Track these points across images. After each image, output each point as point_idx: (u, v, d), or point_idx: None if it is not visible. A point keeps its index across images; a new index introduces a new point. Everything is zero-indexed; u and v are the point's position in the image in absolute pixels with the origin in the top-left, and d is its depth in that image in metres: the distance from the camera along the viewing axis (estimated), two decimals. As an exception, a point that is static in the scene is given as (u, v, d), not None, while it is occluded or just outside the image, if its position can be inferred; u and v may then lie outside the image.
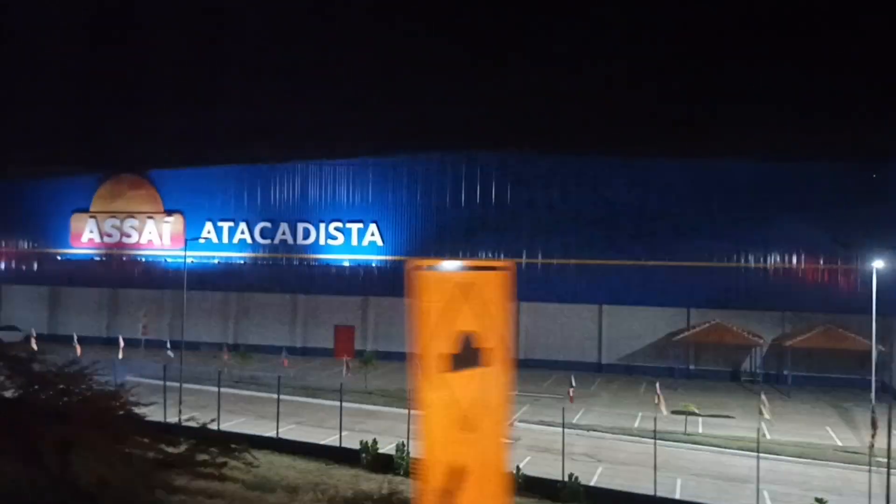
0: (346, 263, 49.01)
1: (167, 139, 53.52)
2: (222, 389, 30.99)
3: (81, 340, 45.81)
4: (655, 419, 25.54)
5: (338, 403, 34.56)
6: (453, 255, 46.68)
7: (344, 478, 22.34)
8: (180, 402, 27.35)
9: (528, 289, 45.74)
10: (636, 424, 31.42)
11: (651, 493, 21.07)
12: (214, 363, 41.71)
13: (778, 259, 42.48)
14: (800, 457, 26.47)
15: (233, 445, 12.96)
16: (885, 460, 21.42)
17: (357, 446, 25.26)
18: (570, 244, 45.02)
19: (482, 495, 4.11)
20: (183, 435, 12.53)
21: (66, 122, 55.16)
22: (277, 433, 26.76)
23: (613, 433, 29.41)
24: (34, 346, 39.87)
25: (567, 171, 45.47)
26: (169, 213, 51.49)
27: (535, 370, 44.94)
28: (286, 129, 51.47)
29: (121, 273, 52.42)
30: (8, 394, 12.17)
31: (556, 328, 46.45)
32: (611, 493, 21.64)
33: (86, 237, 53.05)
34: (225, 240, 50.45)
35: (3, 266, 55.27)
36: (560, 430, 30.18)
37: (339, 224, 48.96)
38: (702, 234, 42.96)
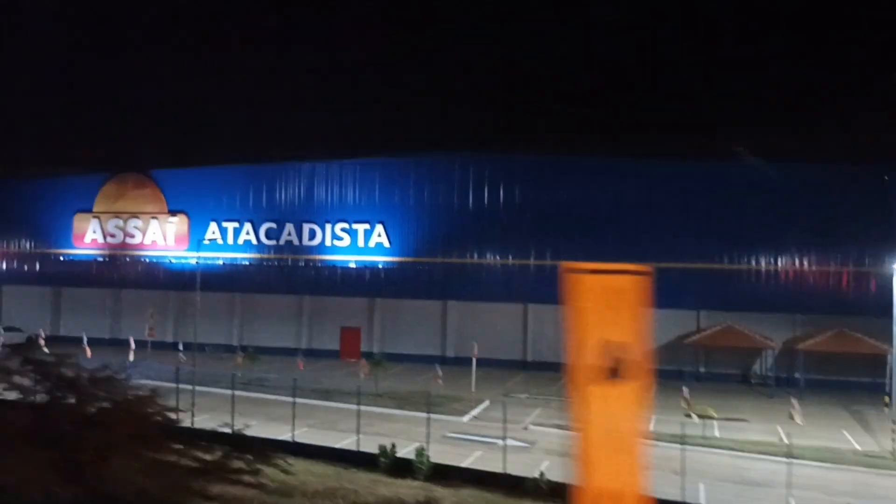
0: (353, 265, 48.64)
1: (172, 138, 53.14)
2: (231, 392, 30.65)
3: (82, 342, 45.39)
4: (682, 424, 25.28)
5: (348, 406, 34.34)
6: (461, 257, 46.44)
7: (363, 482, 21.97)
8: (193, 405, 26.94)
9: (536, 290, 45.52)
10: (651, 428, 31.05)
11: (678, 498, 20.72)
12: (222, 365, 41.36)
13: (789, 261, 42.24)
14: (820, 461, 26.17)
15: (267, 452, 12.57)
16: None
17: (371, 449, 24.93)
18: (578, 246, 44.67)
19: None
20: (216, 440, 12.16)
21: (70, 121, 54.70)
22: (293, 436, 26.37)
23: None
24: (44, 348, 39.52)
25: (576, 171, 45.22)
26: (173, 213, 51.10)
27: (544, 372, 44.63)
28: (292, 129, 51.13)
29: (124, 274, 51.99)
30: (35, 398, 11.82)
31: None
32: (637, 500, 21.26)
33: (89, 237, 52.63)
34: (230, 240, 50.06)
35: (5, 266, 54.76)
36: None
37: (346, 225, 48.64)
38: (712, 235, 42.73)
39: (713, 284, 42.65)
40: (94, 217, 52.38)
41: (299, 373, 41.51)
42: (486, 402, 35.44)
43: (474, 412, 33.59)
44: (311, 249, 49.24)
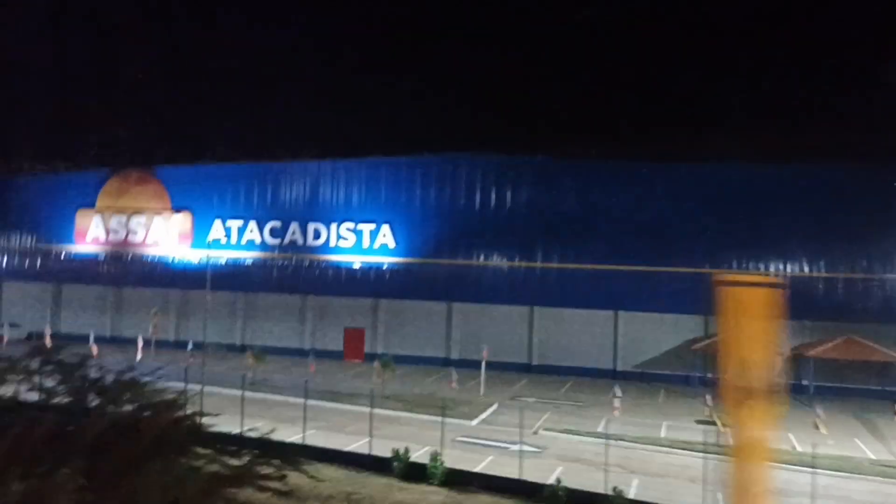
0: (357, 265, 48.25)
1: (176, 135, 52.81)
2: (236, 392, 30.26)
3: (84, 339, 44.87)
4: (705, 432, 24.93)
5: (355, 408, 34.05)
6: (467, 258, 46.09)
7: (377, 487, 21.63)
8: (201, 407, 26.47)
9: (542, 293, 45.26)
10: (662, 434, 30.80)
11: (699, 508, 20.40)
12: (229, 365, 41.01)
13: (797, 267, 41.99)
14: (837, 470, 25.88)
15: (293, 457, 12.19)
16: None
17: (382, 453, 24.61)
18: (585, 249, 44.43)
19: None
20: (242, 445, 11.78)
21: (73, 117, 54.34)
22: (304, 438, 26.00)
23: (641, 443, 28.74)
24: (48, 344, 39.02)
25: (586, 174, 44.96)
26: (177, 210, 50.62)
27: (548, 376, 44.37)
28: (297, 127, 50.86)
29: (126, 271, 51.52)
30: (56, 401, 11.42)
31: (569, 333, 45.84)
32: (658, 510, 21.01)
33: (91, 234, 52.15)
34: (234, 239, 49.63)
35: (5, 262, 54.25)
36: (587, 438, 29.77)
37: (351, 225, 48.26)
38: (720, 240, 42.48)
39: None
40: (97, 213, 51.88)
41: (306, 374, 41.14)
42: (495, 406, 35.11)
43: (483, 416, 33.25)
44: (315, 249, 48.84)
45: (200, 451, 11.12)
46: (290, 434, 27.25)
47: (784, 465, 26.55)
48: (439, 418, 32.61)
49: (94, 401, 11.50)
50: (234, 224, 49.73)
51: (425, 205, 47.29)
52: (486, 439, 29.23)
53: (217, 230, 49.71)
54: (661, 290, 42.78)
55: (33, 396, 12.68)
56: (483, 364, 36.61)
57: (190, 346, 40.36)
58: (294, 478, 21.00)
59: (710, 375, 42.88)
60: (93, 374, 12.06)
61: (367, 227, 47.94)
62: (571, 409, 35.39)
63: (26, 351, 12.51)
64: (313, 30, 51.49)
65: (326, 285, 48.72)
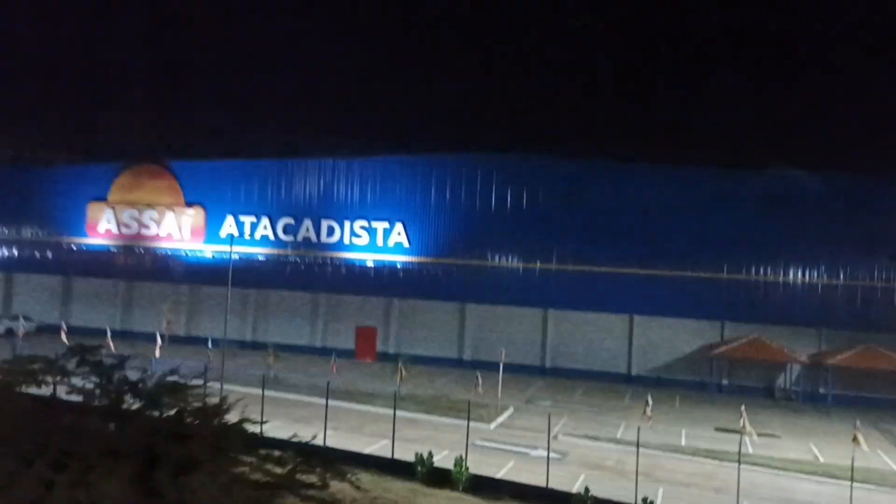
0: (371, 263, 47.89)
1: (191, 129, 52.52)
2: (250, 390, 29.79)
3: (95, 332, 44.51)
4: (740, 442, 24.68)
5: (371, 409, 33.73)
6: (481, 259, 45.76)
7: (401, 492, 21.27)
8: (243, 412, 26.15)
9: (556, 296, 44.87)
10: (683, 442, 30.42)
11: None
12: (238, 362, 40.67)
13: (816, 274, 41.57)
14: (863, 482, 25.44)
15: (337, 465, 11.87)
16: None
17: (403, 456, 24.29)
18: (601, 251, 44.02)
19: None
20: (283, 450, 11.46)
21: (86, 110, 54.06)
22: (325, 441, 25.57)
23: (664, 450, 28.35)
24: (65, 340, 38.76)
25: (601, 175, 44.52)
26: (190, 205, 50.29)
27: (562, 379, 43.99)
28: (312, 124, 50.54)
29: (137, 265, 51.22)
30: (99, 403, 11.09)
31: (583, 337, 45.47)
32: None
33: (102, 227, 51.81)
34: (247, 235, 49.28)
35: (15, 254, 53.96)
36: (607, 445, 29.41)
37: (365, 223, 47.87)
38: (738, 246, 42.06)
39: (738, 295, 41.99)
40: (109, 207, 51.56)
41: (319, 372, 40.85)
42: (511, 409, 34.76)
43: (500, 419, 32.91)
44: (328, 247, 48.47)
45: (245, 458, 10.80)
46: (306, 435, 26.92)
47: (807, 476, 26.30)
48: (456, 420, 32.34)
49: (134, 404, 11.19)
50: (248, 220, 49.37)
51: (440, 204, 46.90)
52: (505, 443, 28.90)
53: (230, 226, 49.37)
54: (677, 294, 42.36)
55: (48, 394, 12.38)
56: (501, 367, 36.18)
57: (210, 345, 39.97)
58: (334, 484, 20.68)
59: (724, 382, 42.62)
60: (130, 375, 11.76)
61: (381, 226, 47.55)
62: (588, 414, 35.04)
63: (62, 351, 12.22)
64: (330, 26, 51.17)
65: (339, 283, 48.34)
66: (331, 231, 48.45)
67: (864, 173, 40.80)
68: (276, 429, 27.08)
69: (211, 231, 49.90)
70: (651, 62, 44.01)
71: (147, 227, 50.97)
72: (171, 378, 11.25)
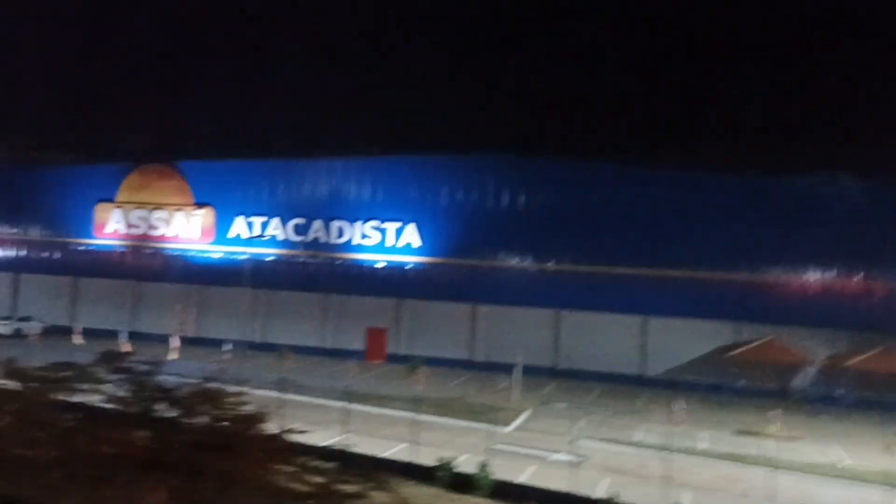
0: (381, 264, 47.54)
1: (200, 130, 52.19)
2: (265, 393, 29.39)
3: (103, 334, 44.30)
4: (751, 444, 24.15)
5: (385, 411, 33.37)
6: (493, 259, 45.44)
7: (424, 499, 20.89)
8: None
9: (569, 297, 44.52)
10: (705, 445, 30.04)
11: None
12: (260, 364, 40.31)
13: (832, 275, 41.20)
14: (892, 486, 25.06)
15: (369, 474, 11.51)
16: None
17: (415, 459, 23.98)
18: (614, 252, 43.68)
19: None
20: (321, 458, 11.11)
21: (94, 110, 53.75)
22: (343, 443, 25.25)
23: (686, 454, 27.96)
24: (80, 341, 38.47)
25: (615, 177, 44.17)
26: (199, 205, 49.96)
27: (575, 381, 43.62)
28: (322, 124, 50.19)
29: (146, 266, 50.91)
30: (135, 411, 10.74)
31: (596, 338, 45.08)
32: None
33: (111, 228, 51.56)
34: (256, 235, 48.98)
35: (23, 255, 53.66)
36: (627, 449, 29.04)
37: (375, 223, 47.54)
38: (754, 246, 41.70)
39: (753, 296, 41.63)
40: (117, 207, 51.27)
41: (326, 374, 40.57)
42: (528, 412, 34.40)
43: (517, 422, 32.54)
44: (339, 247, 48.16)
45: (284, 467, 10.46)
46: (323, 438, 26.58)
47: (833, 479, 25.93)
48: (472, 423, 32.04)
49: (168, 411, 10.85)
50: (257, 220, 49.05)
51: (451, 205, 46.58)
52: (523, 447, 28.51)
53: (240, 226, 49.06)
54: (691, 295, 42.01)
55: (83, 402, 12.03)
56: (518, 369, 35.82)
57: (229, 346, 39.67)
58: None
59: (741, 384, 42.21)
60: (165, 383, 11.41)
61: (391, 226, 47.26)
62: (605, 417, 34.64)
63: (95, 358, 11.87)
64: (342, 24, 50.82)
65: (349, 284, 48.04)
66: (341, 231, 48.15)
67: (881, 173, 40.40)
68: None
69: (220, 232, 49.59)
70: (665, 61, 43.64)
71: (156, 227, 50.70)
72: (207, 385, 10.92)
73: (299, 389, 35.99)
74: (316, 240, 48.37)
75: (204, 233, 49.69)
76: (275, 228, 48.66)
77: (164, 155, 50.76)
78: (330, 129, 47.92)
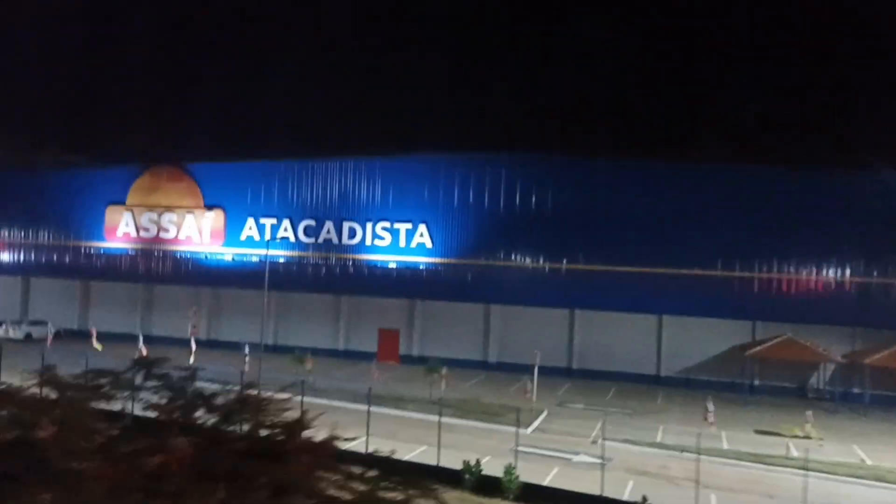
0: (393, 265, 47.30)
1: (210, 131, 52.01)
2: (277, 396, 29.14)
3: (115, 337, 44.10)
4: (808, 448, 23.93)
5: (403, 413, 33.18)
6: (506, 259, 45.17)
7: (452, 502, 20.61)
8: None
9: (583, 296, 44.26)
10: (725, 445, 29.77)
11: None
12: (277, 366, 40.05)
13: (848, 272, 40.86)
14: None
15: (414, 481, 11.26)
16: None
17: (432, 461, 23.77)
18: (628, 251, 43.34)
19: None
20: (362, 465, 10.87)
21: (104, 112, 53.60)
22: (367, 448, 24.97)
23: (708, 455, 27.67)
24: (96, 345, 38.30)
25: (628, 175, 43.83)
26: (209, 207, 49.78)
27: (590, 380, 43.41)
28: (331, 124, 50.00)
29: (157, 269, 50.73)
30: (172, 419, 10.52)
31: (611, 337, 44.85)
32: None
33: (121, 231, 51.36)
34: (267, 237, 48.74)
35: (33, 258, 53.50)
36: (648, 449, 28.80)
37: (387, 224, 47.26)
38: (771, 244, 41.36)
39: (769, 294, 41.29)
40: (127, 210, 51.09)
41: (341, 376, 40.36)
42: (545, 412, 34.16)
43: (536, 423, 32.29)
44: (350, 248, 47.90)
45: (332, 476, 10.23)
46: (345, 442, 26.34)
47: (857, 480, 25.67)
48: (490, 424, 31.83)
49: (208, 419, 10.62)
50: (268, 222, 48.83)
51: (463, 204, 46.27)
52: (544, 449, 28.27)
53: (250, 228, 48.87)
54: (706, 294, 41.66)
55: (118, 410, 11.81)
56: (536, 370, 35.55)
57: (246, 350, 39.48)
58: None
59: (755, 382, 41.95)
60: (203, 390, 11.19)
61: (403, 227, 46.96)
62: (623, 417, 34.39)
63: (128, 364, 11.67)
64: (353, 26, 50.62)
65: (361, 285, 47.80)
66: (352, 233, 47.89)
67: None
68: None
69: (231, 234, 49.41)
70: (679, 58, 43.35)
71: (166, 230, 50.51)
72: (248, 391, 10.70)
73: (314, 391, 35.79)
74: (327, 241, 48.11)
75: (214, 235, 49.50)
76: (286, 230, 48.40)
77: (174, 157, 50.54)
78: (340, 129, 47.68)
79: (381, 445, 25.89)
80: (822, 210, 40.39)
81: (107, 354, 32.59)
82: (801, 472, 25.94)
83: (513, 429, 30.69)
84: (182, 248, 50.43)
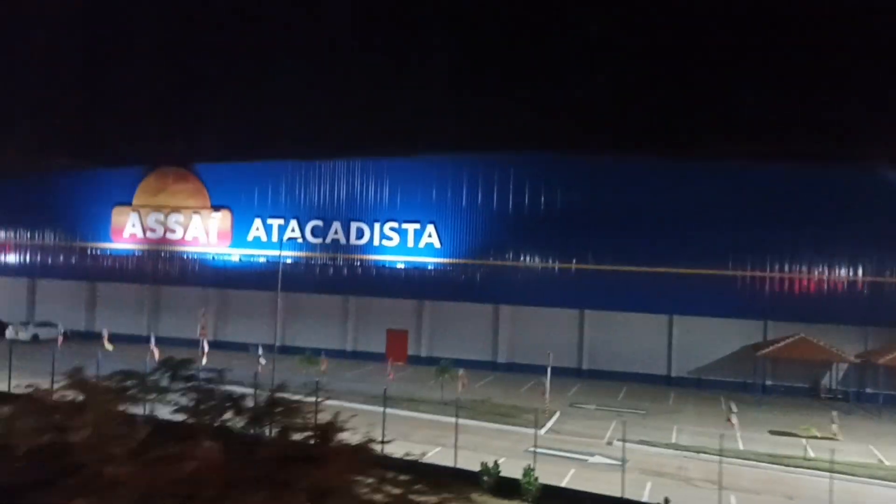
0: (401, 265, 47.05)
1: (215, 131, 51.76)
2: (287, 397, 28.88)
3: (119, 339, 43.77)
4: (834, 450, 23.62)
5: (415, 414, 32.97)
6: (515, 259, 44.92)
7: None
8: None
9: (593, 296, 43.98)
10: (741, 446, 29.51)
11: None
12: (290, 368, 39.81)
13: (861, 271, 40.58)
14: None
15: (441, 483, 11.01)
16: None
17: (448, 463, 23.56)
18: (638, 250, 43.05)
19: None
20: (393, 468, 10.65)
21: (108, 111, 53.37)
22: (383, 450, 24.67)
23: (724, 456, 27.41)
24: (108, 346, 38.08)
25: (639, 174, 43.47)
26: (216, 208, 49.55)
27: (600, 381, 43.14)
28: (339, 124, 49.72)
29: (163, 270, 50.52)
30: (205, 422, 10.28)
31: (621, 338, 44.58)
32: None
33: (127, 232, 51.13)
34: (274, 238, 48.51)
35: (39, 260, 53.29)
36: (664, 450, 28.56)
37: (395, 224, 46.99)
38: (782, 243, 41.06)
39: (780, 294, 41.02)
40: (134, 211, 50.88)
41: (350, 377, 40.14)
42: (558, 413, 33.93)
43: (549, 424, 32.05)
44: (358, 249, 47.64)
45: (366, 479, 10.00)
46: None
47: (878, 482, 25.42)
48: (503, 425, 31.62)
49: (238, 421, 10.39)
50: (275, 222, 48.59)
51: (472, 204, 46.00)
52: (560, 450, 28.05)
53: (257, 229, 48.64)
54: (717, 293, 41.36)
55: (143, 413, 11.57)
56: (549, 371, 35.24)
57: (260, 351, 39.27)
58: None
59: (767, 382, 41.68)
60: (234, 392, 10.96)
61: (411, 227, 46.68)
62: (636, 418, 34.10)
63: (154, 366, 11.43)
64: (360, 25, 50.27)
65: (369, 286, 47.52)
66: (360, 233, 47.62)
67: (909, 167, 39.73)
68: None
69: (238, 234, 49.17)
70: (686, 54, 42.94)
71: (173, 231, 50.27)
72: (279, 394, 10.45)
73: (325, 392, 35.54)
74: (335, 242, 47.86)
75: (221, 236, 49.28)
76: (293, 231, 48.17)
77: (180, 157, 50.24)
78: (348, 129, 47.33)
79: (395, 448, 25.78)
80: (835, 208, 40.04)
81: (119, 356, 32.36)
82: (819, 472, 25.90)
83: (525, 430, 30.59)
84: (189, 248, 50.19)
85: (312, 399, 11.29)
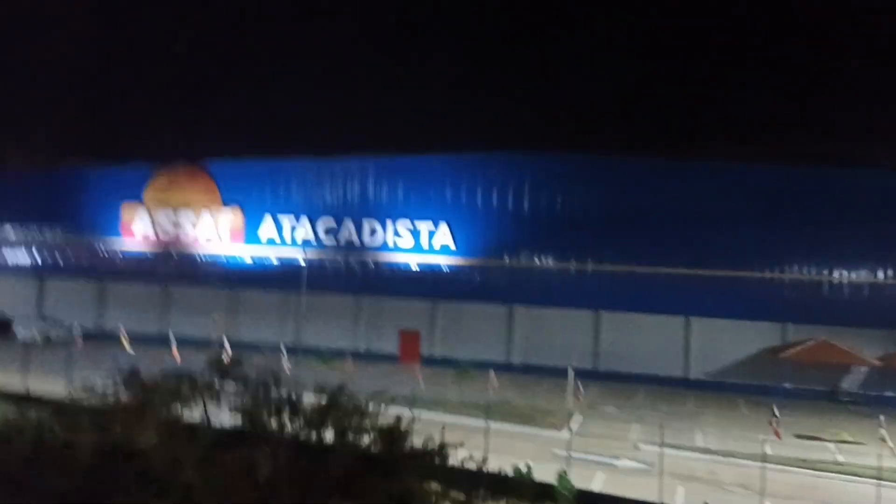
0: (414, 265, 46.58)
1: (227, 128, 51.28)
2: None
3: (134, 339, 43.32)
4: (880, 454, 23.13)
5: (434, 416, 32.35)
6: (530, 259, 44.47)
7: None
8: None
9: (609, 297, 43.54)
10: (769, 450, 28.95)
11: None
12: (314, 369, 39.37)
13: (882, 274, 40.14)
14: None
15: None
16: None
17: (485, 467, 22.93)
18: (656, 251, 42.63)
19: None
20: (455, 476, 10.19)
21: (120, 109, 52.90)
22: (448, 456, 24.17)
23: (753, 460, 26.96)
24: (128, 347, 37.58)
25: (656, 174, 43.11)
26: (227, 206, 49.05)
27: (616, 383, 42.64)
28: (352, 122, 49.28)
29: (174, 268, 50.02)
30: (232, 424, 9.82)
31: (638, 339, 44.08)
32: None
33: (137, 229, 50.63)
34: (286, 236, 48.04)
35: (47, 257, 52.79)
36: (692, 454, 28.05)
37: (408, 223, 46.55)
38: (799, 245, 40.65)
39: (800, 296, 40.58)
40: (144, 208, 50.38)
41: (370, 377, 39.53)
42: (580, 417, 33.40)
43: (573, 427, 31.48)
44: (371, 248, 47.18)
45: (429, 487, 9.53)
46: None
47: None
48: (525, 428, 31.13)
49: (298, 426, 9.92)
50: (287, 221, 48.10)
51: (486, 203, 45.58)
52: (586, 453, 27.49)
53: (268, 227, 48.16)
54: (736, 295, 40.92)
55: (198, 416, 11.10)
56: (571, 372, 34.66)
57: (284, 351, 38.88)
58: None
59: (787, 385, 41.19)
60: (284, 394, 10.50)
61: (425, 226, 46.25)
62: (658, 421, 33.58)
63: (203, 367, 10.98)
64: (372, 23, 49.94)
65: (382, 286, 47.05)
66: (373, 232, 47.17)
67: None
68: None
69: (250, 233, 48.70)
70: (702, 54, 42.64)
71: (183, 228, 49.77)
72: (339, 396, 10.01)
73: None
74: (348, 241, 47.39)
75: (232, 234, 48.79)
76: (304, 229, 47.69)
77: (190, 154, 49.85)
78: (360, 127, 46.97)
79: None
80: (857, 210, 39.62)
81: (140, 357, 31.88)
82: (852, 478, 25.44)
83: (549, 432, 30.18)
84: (200, 246, 49.70)
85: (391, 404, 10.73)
